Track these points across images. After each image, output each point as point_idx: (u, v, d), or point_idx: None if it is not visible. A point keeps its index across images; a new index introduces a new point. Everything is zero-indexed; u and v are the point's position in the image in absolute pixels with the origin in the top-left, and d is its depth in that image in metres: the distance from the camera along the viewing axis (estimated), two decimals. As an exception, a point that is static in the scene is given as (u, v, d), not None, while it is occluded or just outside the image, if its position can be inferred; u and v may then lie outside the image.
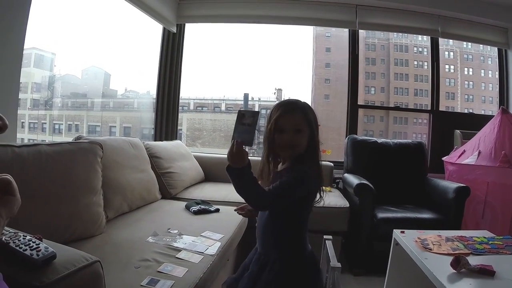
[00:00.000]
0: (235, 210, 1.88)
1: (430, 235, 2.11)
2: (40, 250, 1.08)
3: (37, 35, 3.00)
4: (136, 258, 1.80)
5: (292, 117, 1.60)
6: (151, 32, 4.60)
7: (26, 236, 1.15)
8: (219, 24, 4.89)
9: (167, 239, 2.11)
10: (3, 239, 1.10)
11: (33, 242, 1.12)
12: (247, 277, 1.60)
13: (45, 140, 4.16)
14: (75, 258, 1.18)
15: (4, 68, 2.19)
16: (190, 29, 4.77)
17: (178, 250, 1.98)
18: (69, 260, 1.15)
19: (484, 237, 2.14)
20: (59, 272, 1.08)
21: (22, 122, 3.97)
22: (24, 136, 4.00)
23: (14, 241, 1.10)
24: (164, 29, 4.48)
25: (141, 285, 1.55)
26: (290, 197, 1.53)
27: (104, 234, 2.14)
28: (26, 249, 1.07)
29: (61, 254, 1.14)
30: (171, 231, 2.26)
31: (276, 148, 1.63)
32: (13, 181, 0.67)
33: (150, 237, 2.12)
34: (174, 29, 4.47)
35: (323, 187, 1.68)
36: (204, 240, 2.17)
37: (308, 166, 1.58)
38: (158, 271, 1.69)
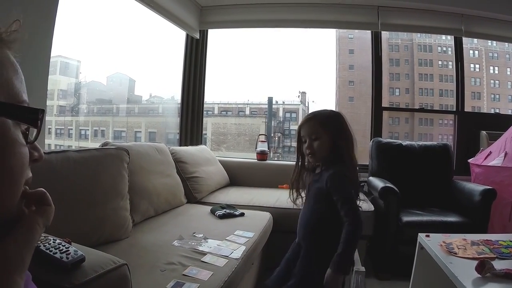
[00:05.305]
0: None
1: (456, 239, 2.08)
2: (70, 253, 1.12)
3: (63, 43, 3.07)
4: (161, 261, 1.83)
5: (307, 126, 1.89)
6: (174, 38, 4.66)
7: (56, 240, 1.18)
8: (242, 29, 4.90)
9: (193, 243, 2.13)
10: (34, 242, 1.13)
11: (63, 246, 1.15)
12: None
13: (71, 146, 4.25)
14: (103, 261, 1.21)
15: (32, 76, 2.24)
16: (213, 34, 4.80)
17: (203, 253, 1.99)
18: (97, 263, 1.18)
19: (510, 241, 2.09)
20: (88, 274, 1.12)
21: (49, 128, 4.06)
22: (51, 141, 4.09)
23: (45, 244, 1.14)
24: (187, 35, 4.52)
25: (166, 288, 1.57)
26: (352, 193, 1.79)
27: (131, 238, 2.18)
28: (56, 252, 1.11)
29: (89, 257, 1.18)
30: (196, 235, 2.28)
31: (304, 156, 1.95)
32: (47, 193, 0.71)
33: (175, 241, 2.14)
34: (197, 35, 4.50)
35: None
36: (229, 244, 2.18)
37: (335, 168, 1.80)
38: (184, 274, 1.71)
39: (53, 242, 1.16)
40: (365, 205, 3.26)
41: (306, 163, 1.99)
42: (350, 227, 1.68)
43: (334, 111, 2.00)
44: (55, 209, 0.71)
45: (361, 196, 2.03)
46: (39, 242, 1.15)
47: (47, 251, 1.11)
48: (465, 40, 4.61)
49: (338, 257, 1.66)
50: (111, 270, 1.20)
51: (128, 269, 1.28)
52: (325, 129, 1.84)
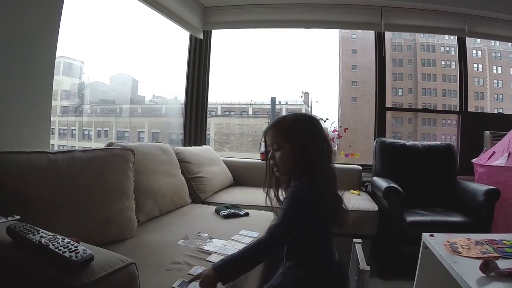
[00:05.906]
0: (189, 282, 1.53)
1: (460, 239, 2.08)
2: (79, 252, 1.12)
3: (66, 44, 3.08)
4: (167, 260, 1.84)
5: (270, 134, 1.58)
6: (178, 39, 4.67)
7: (64, 239, 1.19)
8: (245, 30, 4.90)
9: (198, 243, 2.14)
10: (43, 241, 1.14)
11: (72, 245, 1.15)
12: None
13: (75, 146, 4.26)
14: (111, 260, 1.22)
15: (37, 76, 2.26)
16: (217, 34, 4.81)
17: (209, 253, 2.00)
18: (106, 262, 1.18)
19: (514, 241, 2.09)
20: (96, 273, 1.12)
21: (52, 128, 4.07)
22: (54, 142, 4.09)
23: (54, 243, 1.14)
24: (191, 35, 4.53)
25: (173, 287, 1.58)
26: (297, 219, 1.44)
27: (136, 238, 2.19)
28: (65, 251, 1.11)
29: (98, 256, 1.18)
30: (201, 235, 2.29)
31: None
32: None
33: (181, 241, 2.15)
34: (200, 36, 4.51)
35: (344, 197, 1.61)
36: (234, 244, 2.19)
37: (299, 182, 1.48)
38: (189, 274, 1.71)
39: (62, 241, 1.17)
40: (369, 204, 3.28)
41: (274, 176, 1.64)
42: (264, 239, 1.39)
43: (303, 114, 1.64)
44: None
45: (348, 210, 1.64)
46: (48, 241, 1.15)
47: (56, 250, 1.11)
48: (468, 40, 4.60)
49: (229, 257, 1.41)
50: (119, 269, 1.20)
51: (136, 268, 1.28)
52: (288, 137, 1.51)
